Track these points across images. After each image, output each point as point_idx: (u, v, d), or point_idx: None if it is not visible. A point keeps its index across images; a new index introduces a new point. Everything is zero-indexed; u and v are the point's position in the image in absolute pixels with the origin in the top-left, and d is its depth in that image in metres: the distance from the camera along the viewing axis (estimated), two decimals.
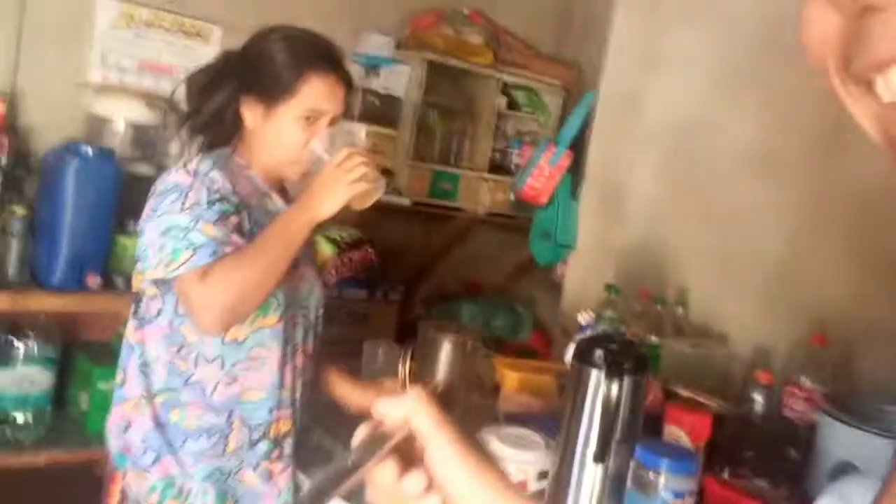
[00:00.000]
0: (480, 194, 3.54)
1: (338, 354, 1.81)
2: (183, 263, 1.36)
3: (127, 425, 1.51)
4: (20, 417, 2.38)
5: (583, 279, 2.50)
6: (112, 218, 2.46)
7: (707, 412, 1.59)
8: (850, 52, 0.35)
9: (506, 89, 3.67)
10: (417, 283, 3.72)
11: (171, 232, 1.38)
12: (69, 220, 2.33)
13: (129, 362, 1.52)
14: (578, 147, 2.61)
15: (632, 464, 1.33)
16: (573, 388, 1.38)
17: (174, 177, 1.45)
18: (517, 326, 3.55)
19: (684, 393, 1.86)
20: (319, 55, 1.52)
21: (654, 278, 2.32)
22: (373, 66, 3.40)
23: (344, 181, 1.41)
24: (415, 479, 0.60)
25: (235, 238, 1.41)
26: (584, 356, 1.38)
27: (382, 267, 3.17)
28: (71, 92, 2.77)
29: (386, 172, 3.37)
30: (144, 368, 1.49)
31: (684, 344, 2.03)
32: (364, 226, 3.32)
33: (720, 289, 2.23)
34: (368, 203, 1.49)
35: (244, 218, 1.47)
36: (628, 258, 2.43)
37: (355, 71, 3.46)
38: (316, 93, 1.49)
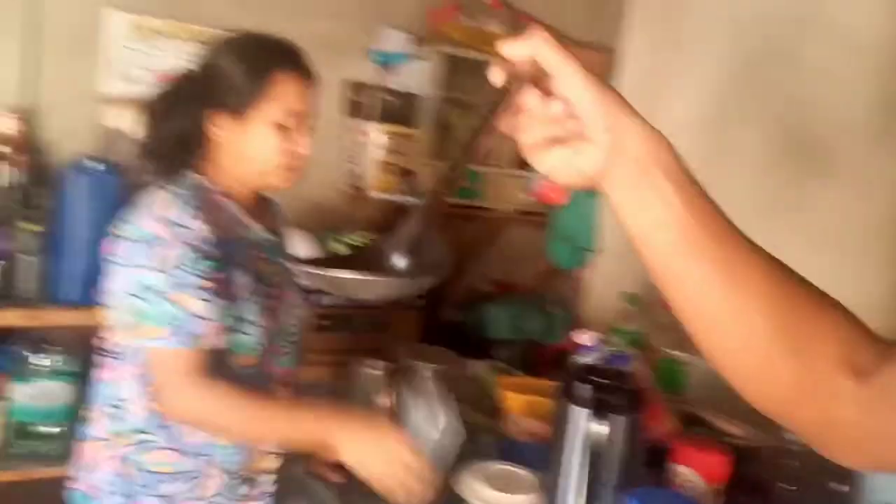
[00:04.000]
0: (508, 192, 3.38)
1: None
2: (155, 338, 1.28)
3: (93, 466, 1.42)
4: (45, 430, 2.39)
5: (606, 285, 2.33)
6: None
7: (722, 450, 1.40)
8: None
9: None
10: (448, 287, 3.58)
11: (147, 293, 1.28)
12: (78, 235, 2.36)
13: (98, 400, 1.44)
14: None
15: None
16: (558, 427, 1.23)
17: (146, 224, 1.32)
18: (551, 328, 3.38)
19: (711, 420, 1.68)
20: (282, 54, 1.42)
21: None
22: (390, 64, 3.26)
23: (385, 468, 1.28)
24: (556, 104, 0.63)
25: (215, 321, 1.31)
26: (569, 392, 1.23)
27: None
28: (87, 106, 2.77)
29: (406, 173, 3.25)
30: (116, 409, 1.41)
31: None
32: (386, 229, 3.19)
33: None
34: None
35: (231, 273, 1.36)
36: None
37: (372, 69, 3.34)
38: (287, 92, 1.40)
